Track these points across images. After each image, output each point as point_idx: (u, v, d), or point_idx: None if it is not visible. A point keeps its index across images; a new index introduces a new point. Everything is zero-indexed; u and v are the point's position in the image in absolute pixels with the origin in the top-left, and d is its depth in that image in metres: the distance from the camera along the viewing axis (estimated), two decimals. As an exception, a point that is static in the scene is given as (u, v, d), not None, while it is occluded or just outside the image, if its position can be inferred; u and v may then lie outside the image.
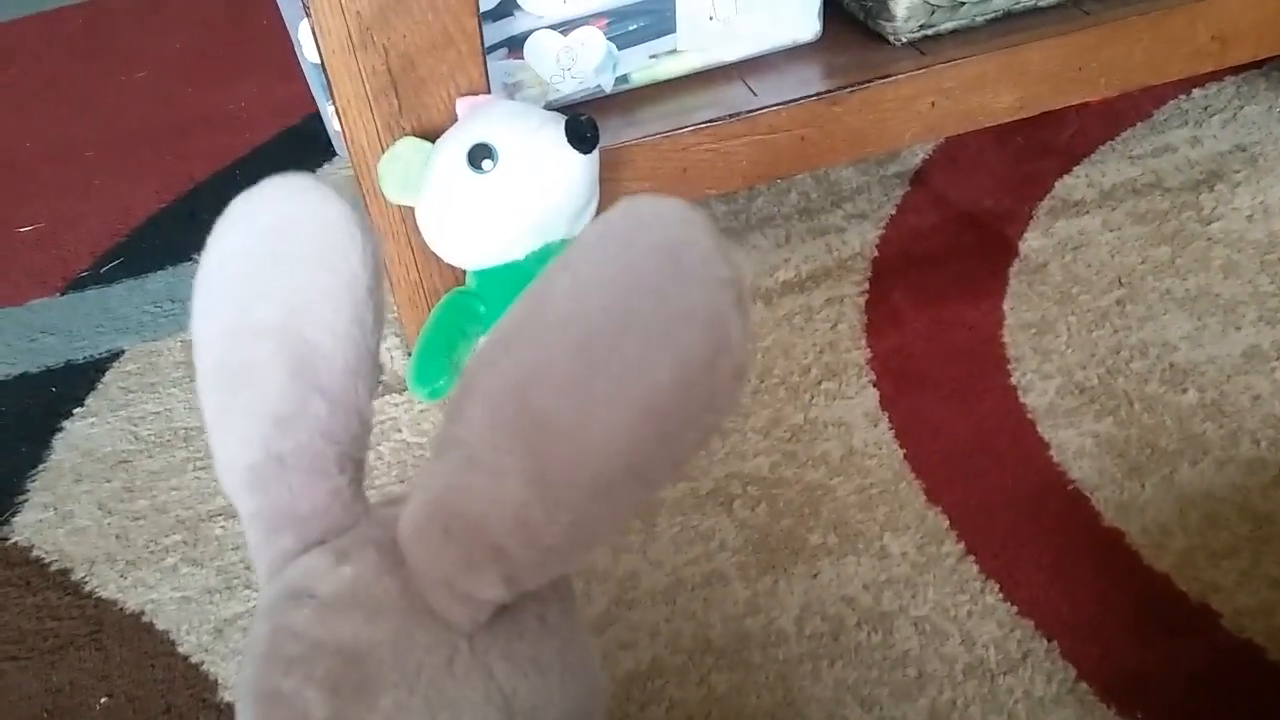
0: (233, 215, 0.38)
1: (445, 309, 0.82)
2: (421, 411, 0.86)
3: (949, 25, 0.89)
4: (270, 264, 0.37)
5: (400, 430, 0.85)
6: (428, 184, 0.77)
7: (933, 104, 0.90)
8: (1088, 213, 0.96)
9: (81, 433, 0.89)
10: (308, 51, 1.07)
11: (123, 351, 0.97)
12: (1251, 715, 0.60)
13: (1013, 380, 0.82)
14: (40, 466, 0.87)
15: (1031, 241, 0.94)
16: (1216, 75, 1.07)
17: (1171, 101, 1.06)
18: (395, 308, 0.89)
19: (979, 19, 0.89)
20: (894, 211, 1.00)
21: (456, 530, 0.32)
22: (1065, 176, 1.00)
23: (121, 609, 0.75)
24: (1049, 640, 0.65)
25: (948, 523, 0.73)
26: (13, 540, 0.81)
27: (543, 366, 0.30)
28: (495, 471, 0.31)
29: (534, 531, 0.31)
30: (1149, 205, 0.95)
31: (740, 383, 0.30)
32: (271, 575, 0.36)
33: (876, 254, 0.96)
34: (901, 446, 0.79)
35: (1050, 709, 0.62)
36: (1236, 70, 1.07)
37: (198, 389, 0.39)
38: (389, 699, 0.32)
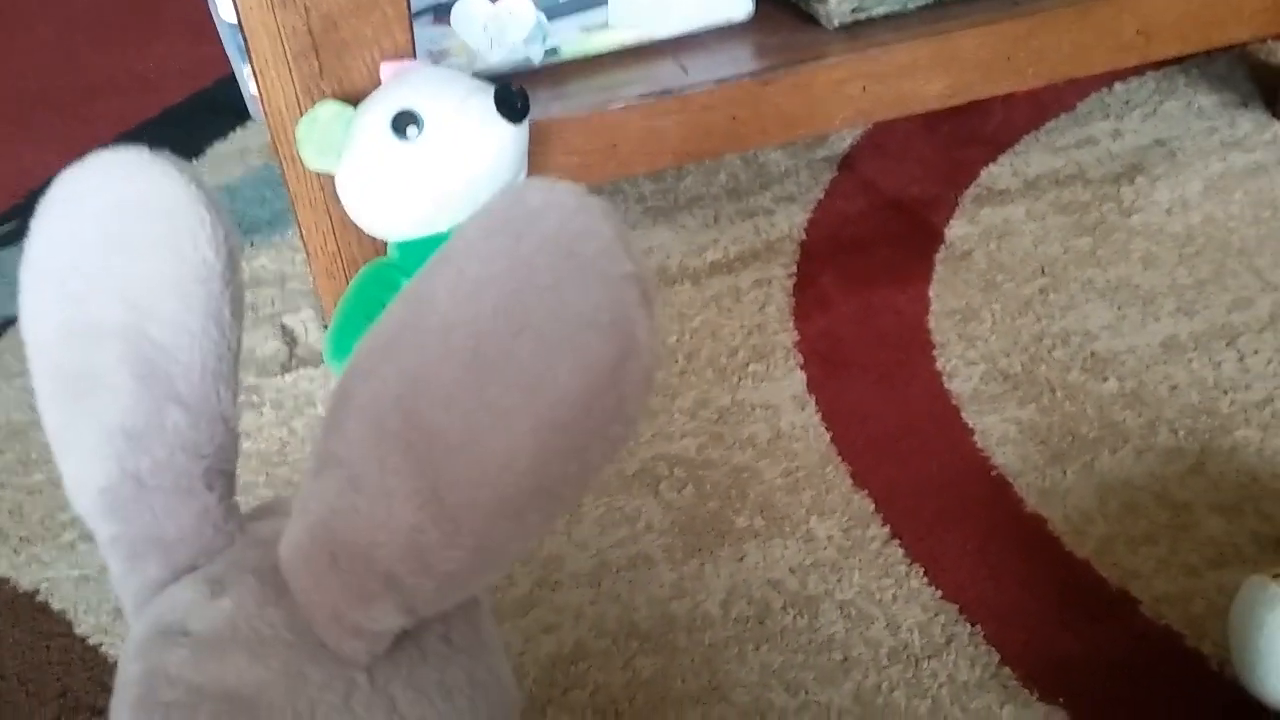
0: (60, 196, 0.34)
1: (365, 280, 0.79)
2: (338, 386, 0.84)
3: (881, 10, 0.89)
4: (107, 252, 0.32)
5: (315, 405, 0.82)
6: (349, 151, 0.75)
7: (864, 88, 0.89)
8: (1012, 202, 0.96)
9: (-27, 402, 0.85)
10: (223, 10, 1.02)
11: (17, 318, 0.92)
12: (1170, 700, 0.61)
13: (938, 366, 0.82)
14: (-73, 437, 0.82)
15: (957, 229, 0.94)
16: (1138, 70, 1.09)
17: (1094, 94, 1.07)
18: (311, 278, 0.86)
19: (911, 5, 0.89)
20: (822, 196, 1.00)
21: (344, 558, 0.29)
22: (991, 165, 1.01)
23: (15, 587, 0.72)
24: (973, 625, 0.65)
25: (873, 506, 0.73)
26: (-104, 515, 0.76)
27: (429, 375, 0.27)
28: (382, 493, 0.28)
29: (431, 557, 0.28)
30: (1071, 196, 0.96)
31: (648, 388, 0.27)
32: (139, 607, 0.33)
33: (804, 237, 0.96)
34: (828, 430, 0.78)
35: (974, 693, 0.62)
36: (1157, 65, 1.08)
37: (37, 400, 0.34)
38: None
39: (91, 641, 0.68)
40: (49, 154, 1.10)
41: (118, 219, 0.32)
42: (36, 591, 0.71)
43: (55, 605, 0.70)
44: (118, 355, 0.32)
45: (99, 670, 0.67)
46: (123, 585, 0.34)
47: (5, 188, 1.07)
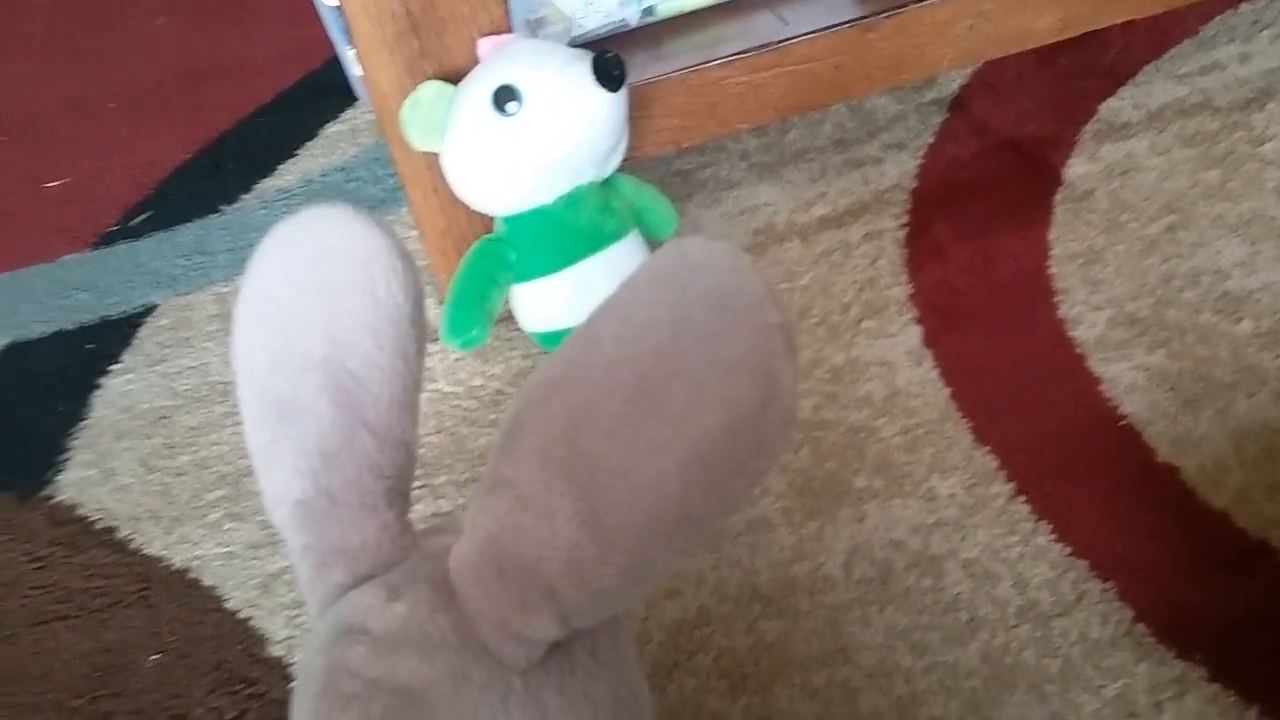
0: (274, 243, 0.37)
1: (475, 257, 0.80)
2: (456, 361, 0.86)
3: (988, -56, 0.86)
4: (313, 295, 0.36)
5: (436, 380, 0.84)
6: (452, 129, 0.76)
7: (971, 27, 0.86)
8: (1134, 136, 0.92)
9: (120, 389, 0.89)
10: (326, -7, 1.04)
11: (156, 306, 0.96)
12: (1314, 654, 0.59)
13: (1060, 313, 0.80)
14: (80, 425, 0.87)
15: (1076, 168, 0.91)
16: (1267, -14, 1.03)
17: (1218, 17, 1.02)
18: (425, 256, 0.88)
19: (1020, -64, 0.86)
20: (932, 140, 0.97)
21: (510, 571, 0.32)
22: (1110, 99, 0.97)
23: (168, 566, 0.76)
24: (1104, 581, 0.64)
25: (997, 463, 0.71)
26: (57, 499, 0.81)
27: (594, 409, 0.30)
28: (547, 513, 0.31)
29: (587, 573, 0.31)
30: (1198, 127, 0.92)
31: (790, 429, 0.30)
32: (323, 609, 0.36)
33: (915, 185, 0.93)
34: (947, 385, 0.77)
35: (1107, 651, 0.61)
36: (1288, -20, 1.03)
37: (244, 421, 0.38)
38: None
39: (241, 615, 0.72)
40: (171, 143, 1.15)
41: (323, 266, 0.36)
42: (188, 569, 0.75)
43: (206, 581, 0.74)
44: (318, 385, 0.36)
45: (250, 643, 0.70)
46: (310, 589, 0.38)
47: (136, 179, 1.11)
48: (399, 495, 0.37)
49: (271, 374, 0.37)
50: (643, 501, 0.30)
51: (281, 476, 0.37)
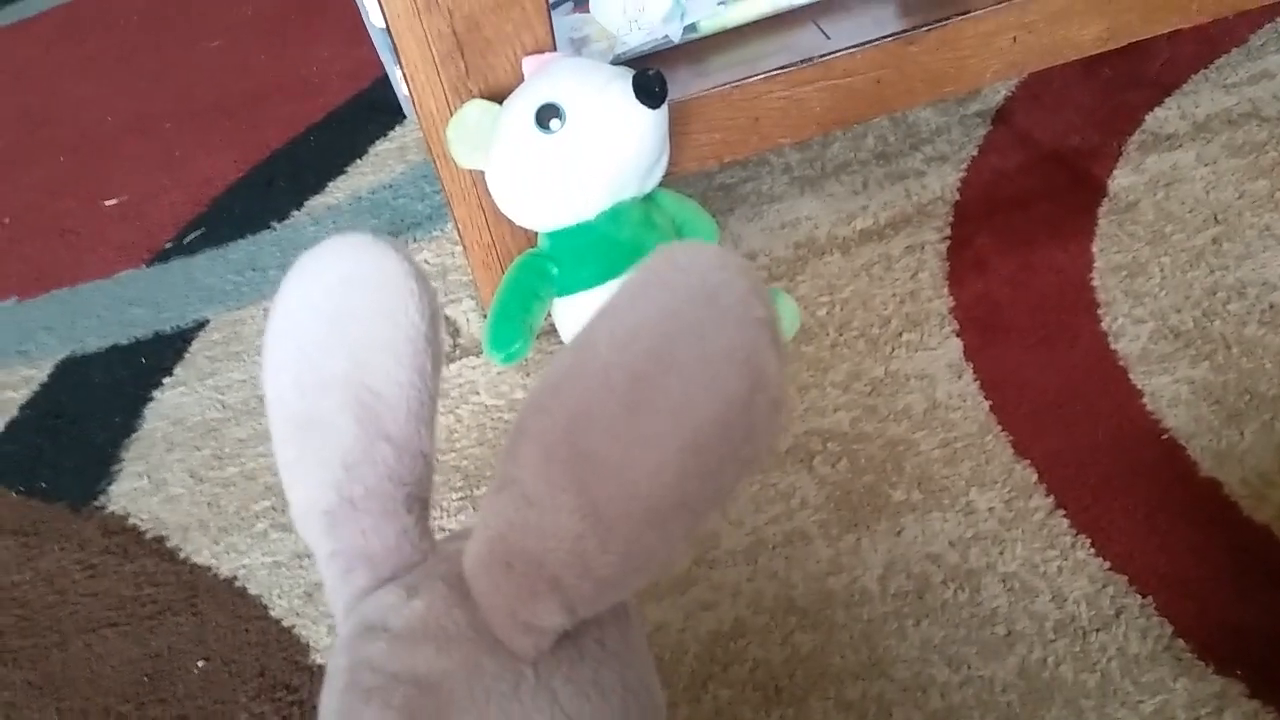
0: (298, 271, 0.40)
1: (518, 271, 0.81)
2: (499, 374, 0.87)
3: (1030, -44, 0.85)
4: (336, 319, 0.39)
5: (479, 393, 0.86)
6: (496, 147, 0.77)
7: (1014, 39, 0.86)
8: (1180, 146, 0.91)
9: (171, 402, 0.91)
10: (373, 16, 1.06)
11: (208, 321, 0.98)
12: (1360, 673, 0.58)
13: (1103, 326, 0.79)
14: (133, 436, 0.89)
15: (1121, 179, 0.90)
16: (1319, -6, 1.01)
17: (1269, 25, 1.01)
18: (470, 270, 0.89)
19: (1062, -52, 0.85)
20: (976, 153, 0.97)
21: (518, 564, 0.34)
22: (1156, 109, 0.96)
23: (215, 574, 0.77)
24: (1143, 596, 0.63)
25: (1036, 476, 0.71)
26: (109, 509, 0.83)
27: (591, 409, 0.32)
28: (551, 509, 0.32)
29: (590, 563, 0.32)
30: (1246, 136, 0.91)
31: (778, 416, 0.31)
32: (348, 612, 0.38)
33: (958, 198, 0.93)
34: (987, 398, 0.77)
35: (1146, 666, 0.60)
36: (1341, -12, 1.01)
37: (272, 439, 0.40)
38: None
39: (286, 624, 0.73)
40: (225, 161, 1.17)
41: (344, 291, 0.39)
42: (235, 578, 0.77)
43: (252, 590, 0.76)
44: (340, 402, 0.39)
45: (293, 650, 0.72)
46: (335, 594, 0.40)
47: (191, 196, 1.14)
48: (418, 502, 0.39)
49: (297, 394, 0.39)
50: (640, 493, 0.31)
51: (307, 489, 0.39)
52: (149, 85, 1.34)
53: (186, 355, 0.95)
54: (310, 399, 0.39)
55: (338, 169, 1.12)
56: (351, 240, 0.39)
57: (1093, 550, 0.66)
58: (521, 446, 0.33)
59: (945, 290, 0.85)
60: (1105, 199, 0.89)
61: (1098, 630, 0.63)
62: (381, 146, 1.14)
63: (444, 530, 0.77)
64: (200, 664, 0.72)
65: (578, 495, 0.32)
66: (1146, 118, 0.95)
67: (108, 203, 1.16)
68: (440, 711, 0.34)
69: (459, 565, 0.36)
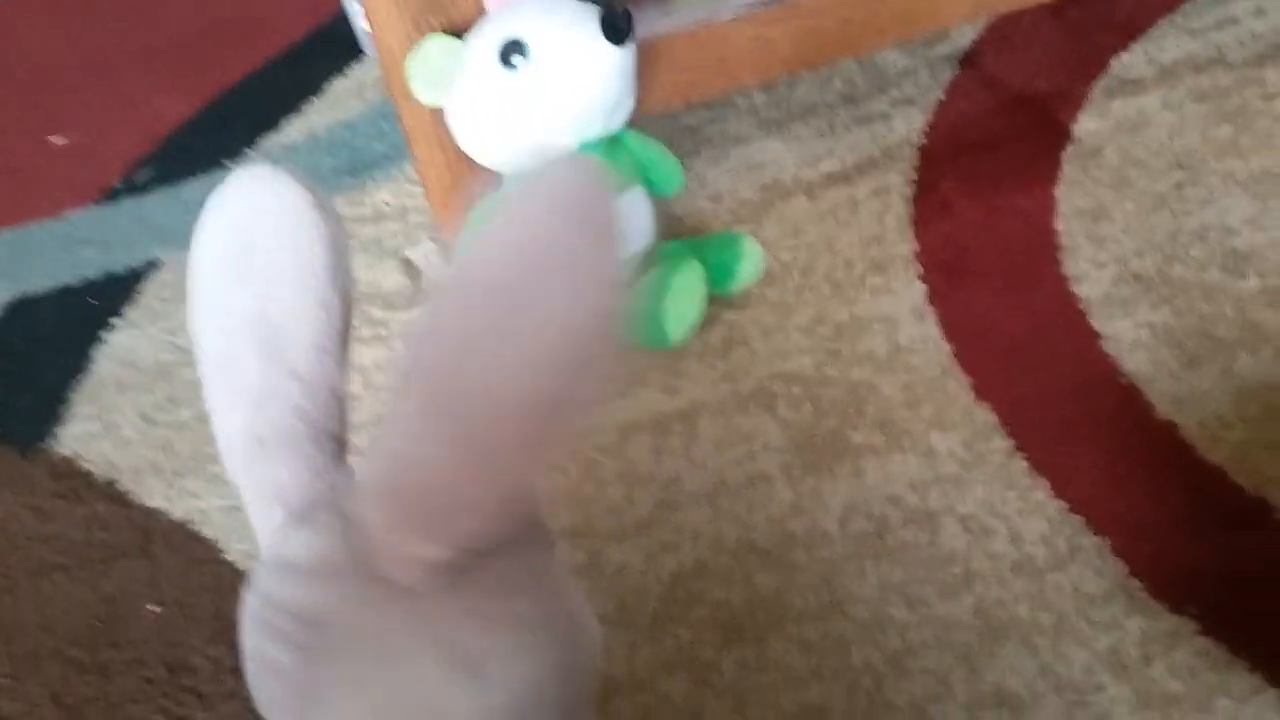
0: (208, 211, 0.40)
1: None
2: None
3: (999, -106, 0.84)
4: (240, 254, 0.38)
5: (438, 335, 0.84)
6: (458, 83, 0.75)
7: (983, -21, 0.85)
8: (1146, 91, 0.91)
9: (122, 344, 0.90)
10: (331, -53, 1.04)
11: (159, 261, 0.96)
12: (1309, 611, 0.59)
13: (1066, 270, 0.79)
14: (83, 378, 0.87)
15: (1086, 124, 0.90)
16: (1287, -61, 1.01)
17: (1237, -30, 1.00)
18: (430, 212, 0.88)
19: (1031, -114, 0.84)
20: (943, 96, 0.96)
21: (398, 496, 0.34)
22: (1123, 53, 0.95)
23: (168, 518, 0.76)
24: (1099, 537, 0.64)
25: (996, 419, 0.71)
26: (59, 452, 0.82)
27: (463, 333, 0.32)
28: (427, 439, 0.33)
29: (465, 491, 0.33)
30: (1211, 82, 0.90)
31: (627, 323, 0.32)
32: (266, 548, 0.38)
33: (924, 141, 0.92)
34: (949, 342, 0.76)
35: (1100, 606, 0.61)
36: (1308, -67, 1.00)
37: (201, 381, 0.41)
38: (350, 661, 0.34)
39: (241, 567, 0.72)
40: (179, 99, 1.14)
41: (248, 226, 0.39)
42: (189, 521, 0.76)
43: (207, 534, 0.75)
44: (247, 340, 0.38)
45: (249, 593, 0.71)
46: (258, 529, 0.40)
47: (143, 135, 1.11)
48: (327, 436, 0.39)
49: (213, 333, 0.39)
50: (505, 412, 0.31)
51: (225, 428, 0.39)
52: (101, 22, 1.31)
53: (138, 296, 0.93)
54: (223, 337, 0.39)
55: (294, 107, 1.10)
56: (254, 173, 0.39)
57: (1051, 492, 0.66)
58: (404, 382, 0.33)
59: (910, 234, 0.85)
60: (1070, 143, 0.89)
61: (1054, 570, 0.63)
62: (339, 84, 1.12)
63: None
64: (154, 608, 0.71)
65: (451, 425, 0.32)
66: (1113, 62, 0.95)
67: (56, 141, 1.14)
68: (330, 647, 0.34)
69: (349, 497, 0.37)
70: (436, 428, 0.32)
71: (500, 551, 0.35)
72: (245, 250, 0.38)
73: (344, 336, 0.39)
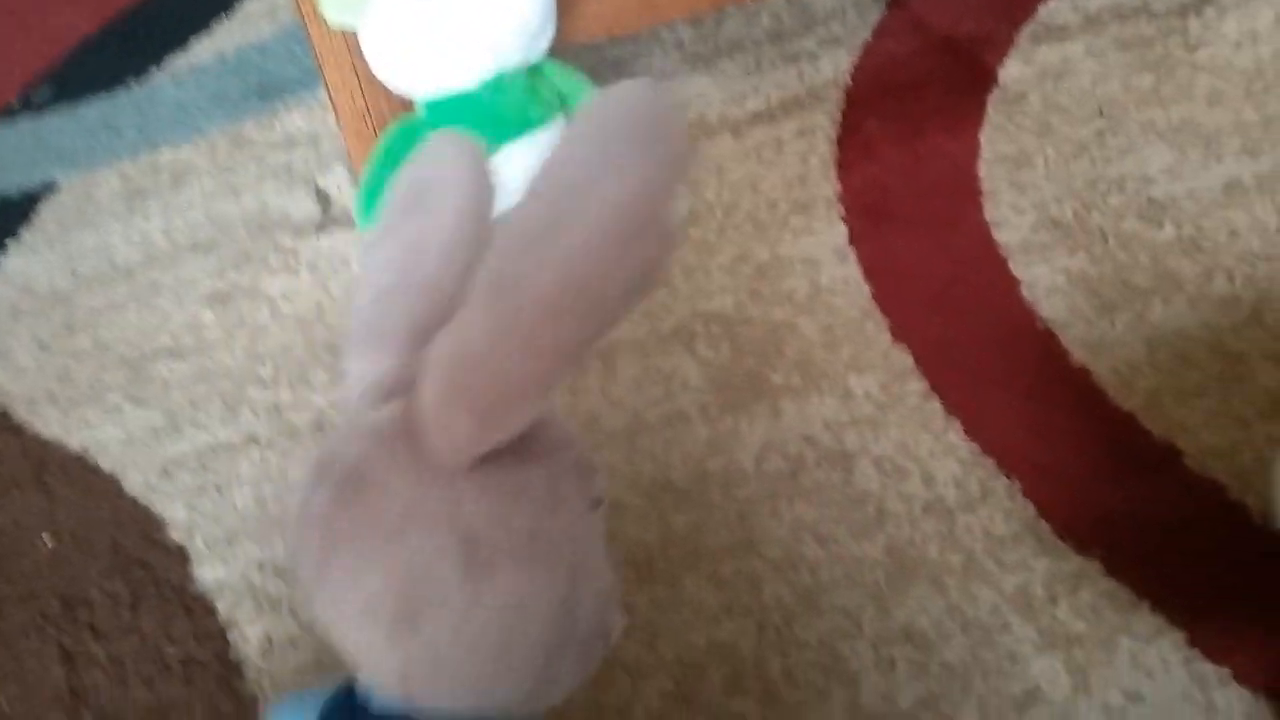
0: (398, 175, 0.46)
1: (393, 140, 0.78)
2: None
3: None
4: (403, 213, 0.44)
5: (349, 265, 0.82)
6: (371, 6, 0.72)
7: (913, -83, 0.84)
8: (1071, 39, 0.91)
9: (17, 268, 0.86)
10: None
11: (57, 183, 0.92)
12: (1209, 553, 0.60)
13: (987, 215, 0.79)
14: (-25, 304, 0.83)
15: (1011, 69, 0.90)
16: (1213, -109, 1.01)
17: (1164, -80, 1.00)
18: (342, 138, 0.85)
19: None
20: (869, 36, 0.95)
21: (451, 375, 0.36)
22: (1050, 0, 0.95)
23: (65, 449, 0.74)
24: (1011, 479, 0.64)
25: (913, 361, 0.71)
26: (-51, 380, 0.78)
27: (519, 235, 0.35)
28: (480, 325, 0.35)
29: (509, 374, 0.35)
30: (1134, 31, 0.91)
31: (670, 247, 0.35)
32: (354, 412, 0.42)
33: (850, 82, 0.92)
34: (869, 284, 0.76)
35: (1009, 547, 0.62)
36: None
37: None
38: (376, 516, 0.37)
39: (140, 500, 0.70)
40: (78, 15, 1.09)
41: (415, 190, 0.44)
42: (85, 453, 0.73)
43: (104, 466, 0.72)
44: (397, 274, 0.43)
45: (148, 527, 0.69)
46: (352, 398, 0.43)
47: (39, 52, 1.06)
48: (428, 334, 0.40)
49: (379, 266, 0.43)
50: (544, 304, 0.34)
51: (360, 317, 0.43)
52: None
53: (34, 219, 0.89)
54: (380, 276, 0.43)
55: (202, 25, 1.05)
56: (440, 133, 0.46)
57: (964, 434, 0.67)
58: (475, 286, 0.36)
59: (834, 175, 0.84)
60: (995, 88, 0.89)
61: (964, 511, 0.63)
62: (251, 4, 1.07)
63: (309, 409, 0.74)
64: (48, 541, 0.69)
65: (500, 311, 0.34)
66: (1040, 8, 0.94)
67: (-54, 54, 1.08)
68: (364, 501, 0.37)
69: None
70: (490, 315, 0.35)
71: (535, 477, 0.38)
72: (408, 211, 0.43)
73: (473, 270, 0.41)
